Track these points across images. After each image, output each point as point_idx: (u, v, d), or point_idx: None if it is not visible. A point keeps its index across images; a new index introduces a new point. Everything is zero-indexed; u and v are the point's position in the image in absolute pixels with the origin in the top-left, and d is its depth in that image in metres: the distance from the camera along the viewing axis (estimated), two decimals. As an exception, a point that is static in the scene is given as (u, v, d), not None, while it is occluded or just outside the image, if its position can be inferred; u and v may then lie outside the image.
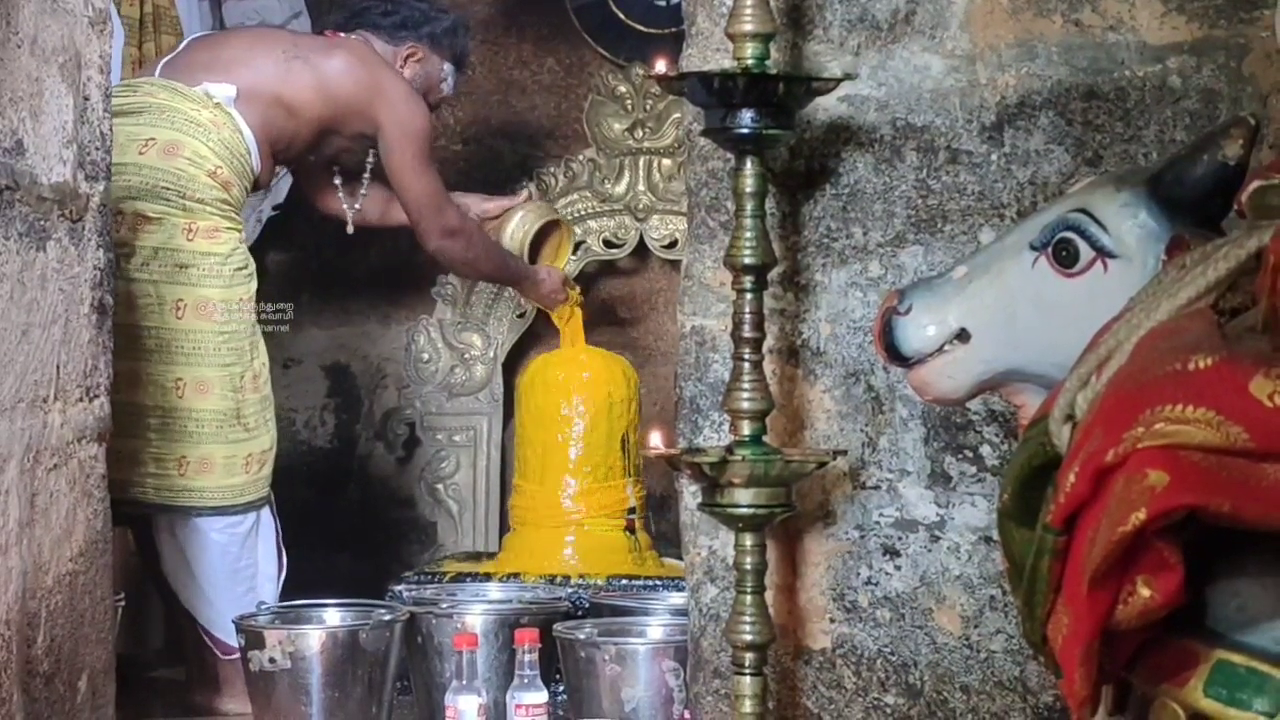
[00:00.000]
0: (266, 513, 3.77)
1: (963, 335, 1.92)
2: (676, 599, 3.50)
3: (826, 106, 2.50)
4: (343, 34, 4.08)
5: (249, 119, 3.77)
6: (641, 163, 4.84)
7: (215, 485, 3.65)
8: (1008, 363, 1.91)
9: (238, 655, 3.47)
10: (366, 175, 4.18)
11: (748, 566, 2.38)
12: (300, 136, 3.90)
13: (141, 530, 3.78)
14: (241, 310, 3.70)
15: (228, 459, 3.66)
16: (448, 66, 4.18)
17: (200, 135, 3.70)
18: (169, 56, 3.96)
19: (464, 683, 3.08)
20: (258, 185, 3.90)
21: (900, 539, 2.51)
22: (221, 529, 3.68)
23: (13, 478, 2.13)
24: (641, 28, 4.91)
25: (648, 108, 4.81)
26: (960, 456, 2.50)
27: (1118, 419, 1.35)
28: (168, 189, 3.63)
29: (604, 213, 4.86)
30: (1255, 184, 1.57)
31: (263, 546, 3.75)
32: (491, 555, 4.23)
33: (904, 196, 2.51)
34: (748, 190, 2.37)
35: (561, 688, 3.38)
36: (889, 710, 2.51)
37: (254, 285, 3.75)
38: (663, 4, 4.83)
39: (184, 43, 4.08)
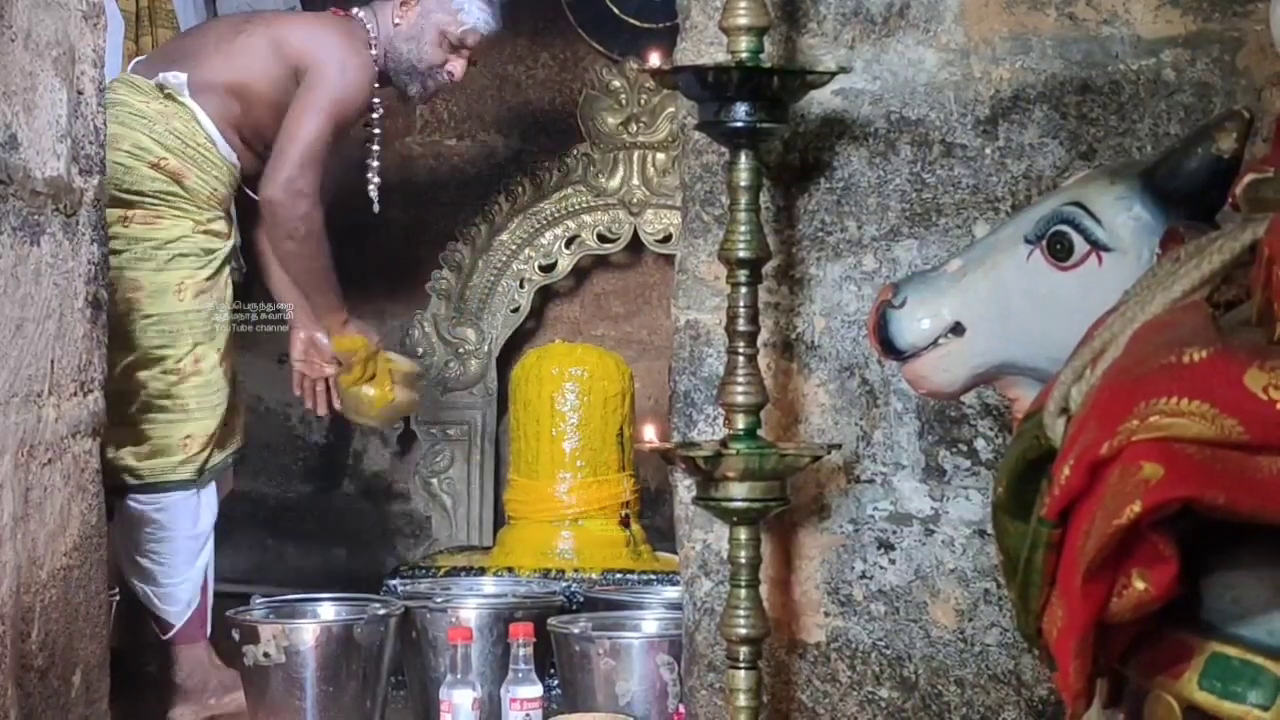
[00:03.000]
0: (207, 494, 3.72)
1: (957, 329, 1.92)
2: (671, 593, 3.50)
3: (821, 100, 2.50)
4: (340, 11, 4.02)
5: (207, 108, 3.72)
6: (636, 157, 4.84)
7: (145, 464, 3.62)
8: (1002, 356, 1.91)
9: (174, 635, 3.48)
10: (375, 146, 4.08)
11: (742, 560, 2.38)
12: (264, 122, 3.80)
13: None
14: (178, 294, 3.63)
15: (161, 438, 3.62)
16: None
17: (143, 127, 3.66)
18: (144, 55, 3.94)
19: (458, 677, 3.08)
20: (244, 175, 3.82)
21: (894, 533, 2.51)
22: (146, 502, 3.64)
23: (7, 472, 2.13)
24: (636, 22, 4.91)
25: (642, 102, 4.81)
26: (955, 450, 2.50)
27: (1112, 412, 1.35)
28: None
29: (598, 207, 4.86)
30: (1249, 177, 1.57)
31: (195, 528, 3.70)
32: (486, 549, 4.24)
33: (898, 190, 2.50)
34: (742, 184, 2.37)
35: (556, 682, 3.38)
36: (883, 704, 2.51)
37: (203, 273, 3.65)
38: (657, -1, 4.83)
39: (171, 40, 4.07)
